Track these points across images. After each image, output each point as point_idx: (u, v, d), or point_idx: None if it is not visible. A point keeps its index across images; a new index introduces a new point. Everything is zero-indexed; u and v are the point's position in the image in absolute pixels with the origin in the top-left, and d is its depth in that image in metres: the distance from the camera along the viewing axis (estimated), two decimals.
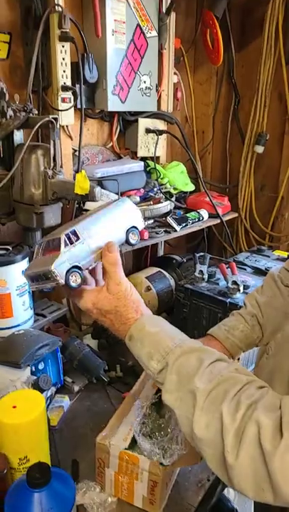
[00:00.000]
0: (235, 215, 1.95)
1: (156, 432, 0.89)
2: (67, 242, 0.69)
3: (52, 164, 1.15)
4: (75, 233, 0.70)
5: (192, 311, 1.35)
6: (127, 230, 0.79)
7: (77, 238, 0.70)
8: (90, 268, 0.73)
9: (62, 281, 0.67)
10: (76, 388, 1.24)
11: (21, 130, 1.17)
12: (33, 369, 1.10)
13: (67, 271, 0.68)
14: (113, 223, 0.77)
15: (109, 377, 1.28)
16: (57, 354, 1.19)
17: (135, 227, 0.80)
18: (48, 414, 1.11)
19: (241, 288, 1.26)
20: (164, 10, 1.57)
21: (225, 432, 0.53)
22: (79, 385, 1.25)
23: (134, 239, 0.80)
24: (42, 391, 1.01)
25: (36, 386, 0.99)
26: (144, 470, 0.84)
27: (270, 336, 0.83)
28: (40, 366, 1.13)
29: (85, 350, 1.27)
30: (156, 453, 0.83)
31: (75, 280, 0.69)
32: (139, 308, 0.71)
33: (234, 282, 1.26)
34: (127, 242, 0.79)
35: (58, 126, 1.14)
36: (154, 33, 1.57)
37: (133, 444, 0.86)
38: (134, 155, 1.72)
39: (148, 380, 1.03)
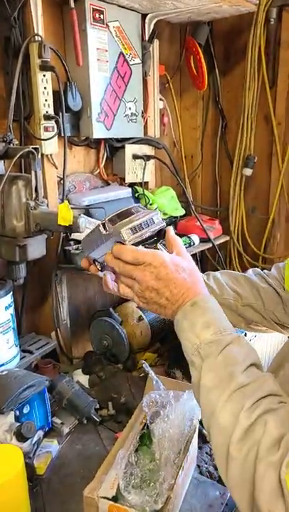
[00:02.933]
0: (227, 238, 1.91)
1: (148, 479, 0.83)
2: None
3: (34, 195, 1.11)
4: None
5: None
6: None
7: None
8: None
9: (164, 223, 0.71)
10: (65, 430, 1.16)
11: (1, 161, 1.13)
12: (17, 413, 1.02)
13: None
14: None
15: (101, 415, 1.20)
16: (44, 395, 1.11)
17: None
18: (35, 461, 1.03)
19: None
20: (146, 38, 1.58)
21: (237, 425, 0.54)
22: (68, 426, 1.17)
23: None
24: (25, 439, 0.94)
25: (19, 434, 0.92)
26: None
27: (275, 368, 0.77)
28: (25, 410, 1.06)
29: (74, 388, 1.20)
30: (147, 501, 0.77)
31: None
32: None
33: None
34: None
35: (40, 156, 1.11)
36: (138, 61, 1.57)
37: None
38: (122, 181, 1.69)
39: (136, 421, 0.96)
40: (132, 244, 0.69)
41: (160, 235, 0.72)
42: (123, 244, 0.69)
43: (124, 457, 0.82)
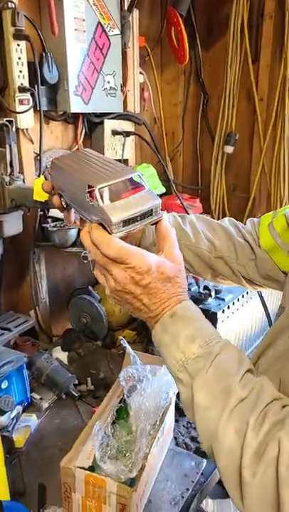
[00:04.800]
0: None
1: (124, 450, 0.85)
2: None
3: (9, 170, 1.09)
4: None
5: None
6: None
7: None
8: None
9: (161, 214, 0.60)
10: (45, 405, 1.18)
11: None
12: None
13: None
14: None
15: (80, 391, 1.22)
16: (22, 371, 1.12)
17: None
18: (14, 435, 1.05)
19: (213, 293, 1.22)
20: (125, 7, 1.52)
21: (245, 446, 0.49)
22: (47, 401, 1.19)
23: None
24: (3, 413, 0.94)
25: None
26: (111, 493, 0.79)
27: (258, 353, 0.77)
28: (4, 385, 1.06)
29: (53, 364, 1.21)
30: (122, 470, 0.79)
31: None
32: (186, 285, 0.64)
33: (206, 287, 1.22)
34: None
35: (14, 129, 1.08)
36: (117, 31, 1.52)
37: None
38: None
39: (114, 395, 0.98)
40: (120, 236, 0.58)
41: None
42: (107, 231, 0.57)
43: (101, 429, 0.84)
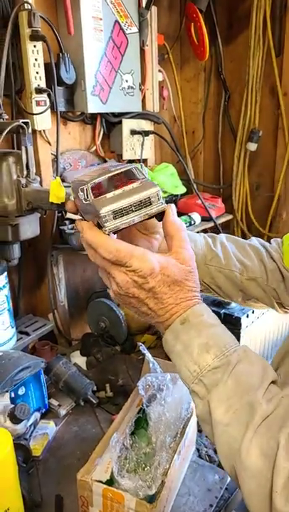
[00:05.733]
0: (230, 216, 1.86)
1: (144, 463, 0.81)
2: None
3: (25, 172, 1.07)
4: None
5: None
6: None
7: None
8: None
9: (165, 205, 0.55)
10: (62, 412, 1.15)
11: None
12: (13, 395, 1.01)
13: None
14: None
15: (99, 397, 1.18)
16: (40, 377, 1.10)
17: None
18: (31, 442, 1.03)
19: None
20: (143, 4, 1.49)
21: (277, 469, 0.44)
22: (66, 408, 1.16)
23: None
24: (19, 421, 0.92)
25: (12, 416, 0.90)
26: (130, 509, 0.75)
27: (278, 361, 0.72)
28: (21, 391, 1.04)
29: (71, 370, 1.18)
30: (141, 486, 0.75)
31: None
32: (200, 287, 0.58)
33: None
34: None
35: (30, 131, 1.06)
36: (135, 29, 1.49)
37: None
38: (119, 158, 1.63)
39: (133, 404, 0.94)
40: (114, 230, 0.53)
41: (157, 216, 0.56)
42: (101, 229, 0.53)
43: (119, 441, 0.80)
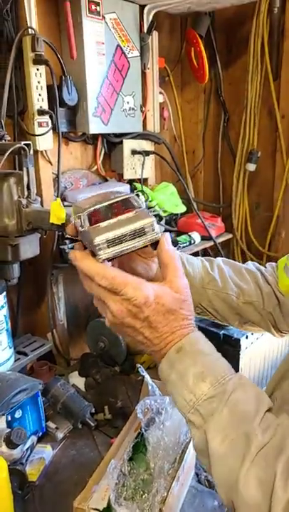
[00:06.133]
0: (230, 236, 1.87)
1: (141, 490, 0.79)
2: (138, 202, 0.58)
3: (26, 193, 1.08)
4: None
5: None
6: None
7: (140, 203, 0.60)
8: None
9: (159, 235, 0.55)
10: (60, 435, 1.13)
11: None
12: (9, 418, 0.99)
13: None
14: None
15: (97, 420, 1.17)
16: (37, 399, 1.08)
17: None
18: (28, 467, 1.00)
19: None
20: (145, 29, 1.53)
21: (275, 499, 0.44)
22: (63, 431, 1.14)
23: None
24: (15, 446, 0.91)
25: (8, 441, 0.89)
26: None
27: (274, 385, 0.72)
28: (18, 414, 1.02)
29: (69, 392, 1.16)
30: None
31: None
32: (194, 315, 0.59)
33: None
34: None
35: (32, 152, 1.07)
36: (136, 53, 1.52)
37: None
38: (120, 177, 1.65)
39: (131, 428, 0.93)
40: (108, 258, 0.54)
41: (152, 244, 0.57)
42: (95, 257, 0.54)
43: (117, 467, 0.79)
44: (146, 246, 0.56)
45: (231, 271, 0.81)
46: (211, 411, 0.50)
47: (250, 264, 0.85)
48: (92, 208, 0.57)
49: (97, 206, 0.58)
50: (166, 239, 0.58)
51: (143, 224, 0.54)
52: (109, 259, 0.54)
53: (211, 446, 0.49)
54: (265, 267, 0.84)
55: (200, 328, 1.21)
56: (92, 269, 0.54)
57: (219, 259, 0.84)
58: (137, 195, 0.60)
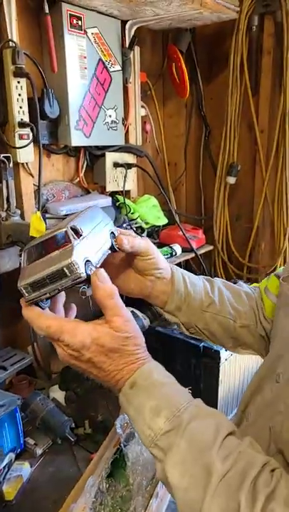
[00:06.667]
0: (211, 247, 1.88)
1: (119, 508, 0.78)
2: (74, 235, 0.56)
3: (5, 205, 1.07)
4: (75, 229, 0.57)
5: (166, 357, 1.24)
6: (110, 234, 0.66)
7: (80, 234, 0.57)
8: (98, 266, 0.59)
9: (84, 274, 0.53)
10: (39, 451, 1.11)
11: None
12: None
13: (84, 264, 0.53)
14: (99, 226, 0.65)
15: (77, 434, 1.15)
16: (15, 415, 1.06)
17: (113, 233, 0.68)
18: (4, 486, 0.98)
19: None
20: (126, 45, 1.55)
21: None
22: (42, 447, 1.12)
23: (117, 244, 0.67)
24: None
25: None
26: None
27: (247, 399, 0.72)
28: None
29: (48, 406, 1.15)
30: None
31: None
32: (144, 347, 0.58)
33: None
34: (112, 248, 0.66)
35: (11, 165, 1.07)
36: (118, 67, 1.54)
37: None
38: (103, 190, 1.65)
39: (110, 444, 0.92)
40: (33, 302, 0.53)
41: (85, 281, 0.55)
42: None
43: (94, 485, 0.78)
44: (80, 283, 0.55)
45: (230, 293, 0.82)
46: (169, 445, 0.50)
47: (246, 287, 0.86)
48: (33, 243, 0.57)
49: (35, 242, 0.57)
50: (100, 276, 0.56)
51: (63, 265, 0.52)
52: (36, 302, 0.54)
53: (171, 481, 0.49)
54: (254, 289, 0.85)
55: (179, 340, 1.22)
56: (29, 318, 0.55)
57: (219, 280, 0.84)
58: (73, 229, 0.56)
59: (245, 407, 0.70)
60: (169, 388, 0.55)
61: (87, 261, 0.55)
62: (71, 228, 0.56)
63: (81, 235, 0.57)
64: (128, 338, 0.56)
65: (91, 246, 0.58)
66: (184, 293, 0.75)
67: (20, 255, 0.59)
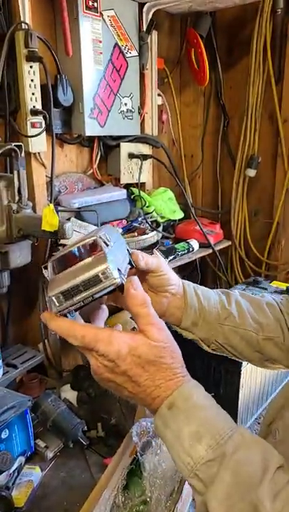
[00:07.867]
0: (229, 243, 1.81)
1: None
2: (105, 243, 0.53)
3: (17, 197, 1.01)
4: (104, 238, 0.54)
5: (185, 360, 1.18)
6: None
7: (107, 244, 0.54)
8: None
9: (118, 280, 0.50)
10: (50, 454, 1.06)
11: None
12: None
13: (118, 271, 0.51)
14: (119, 241, 0.61)
15: (89, 437, 1.10)
16: (26, 417, 1.01)
17: (128, 250, 0.63)
18: (14, 491, 0.94)
19: None
20: (144, 28, 1.47)
21: None
22: (53, 450, 1.08)
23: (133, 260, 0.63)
24: (0, 472, 0.84)
25: None
26: None
27: (274, 413, 0.66)
28: (4, 435, 0.96)
29: (60, 408, 1.10)
30: None
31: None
32: (182, 360, 0.53)
33: None
34: (130, 263, 0.62)
35: (23, 154, 1.01)
36: (135, 53, 1.47)
37: None
38: (117, 182, 1.59)
39: (125, 452, 0.86)
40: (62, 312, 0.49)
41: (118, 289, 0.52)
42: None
43: (110, 498, 0.72)
44: (112, 292, 0.51)
45: (249, 305, 0.76)
46: (212, 477, 0.45)
47: (268, 297, 0.80)
48: (59, 254, 0.54)
49: (60, 253, 0.54)
50: (133, 283, 0.52)
51: (97, 271, 0.49)
52: (64, 314, 0.50)
53: None
54: (281, 299, 0.79)
55: (197, 347, 1.14)
56: (61, 329, 0.50)
57: (237, 292, 0.79)
58: (105, 235, 0.54)
59: (271, 423, 0.64)
60: (211, 412, 0.49)
61: (118, 269, 0.51)
62: (101, 236, 0.54)
63: (108, 245, 0.54)
64: (164, 348, 0.51)
65: (118, 256, 0.55)
66: (198, 308, 0.71)
67: (45, 267, 0.55)
